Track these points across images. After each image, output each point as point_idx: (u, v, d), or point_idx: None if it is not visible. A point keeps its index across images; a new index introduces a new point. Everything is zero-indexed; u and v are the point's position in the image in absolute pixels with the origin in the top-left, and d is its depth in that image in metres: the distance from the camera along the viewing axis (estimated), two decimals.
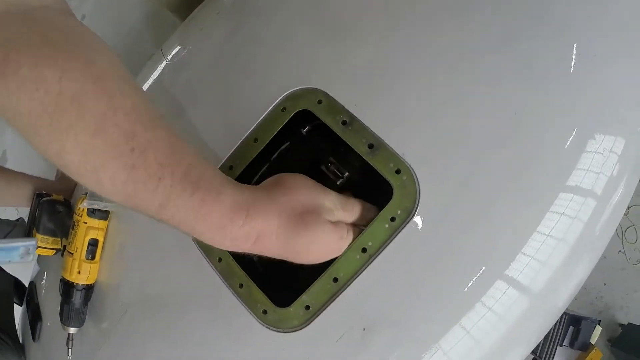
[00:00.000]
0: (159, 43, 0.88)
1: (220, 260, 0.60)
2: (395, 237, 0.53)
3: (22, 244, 0.86)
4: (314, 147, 0.68)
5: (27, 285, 1.04)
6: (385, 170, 0.56)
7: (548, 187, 0.55)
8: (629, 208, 1.95)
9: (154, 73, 0.84)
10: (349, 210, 0.53)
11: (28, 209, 0.95)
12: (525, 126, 0.55)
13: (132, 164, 0.32)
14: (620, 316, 1.96)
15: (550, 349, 1.69)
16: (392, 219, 0.54)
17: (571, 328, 1.71)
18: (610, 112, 0.58)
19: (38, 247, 0.86)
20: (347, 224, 0.52)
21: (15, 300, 1.03)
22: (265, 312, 0.57)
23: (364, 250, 0.54)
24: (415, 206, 0.54)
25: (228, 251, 0.60)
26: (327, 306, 0.54)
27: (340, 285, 0.54)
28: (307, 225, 0.45)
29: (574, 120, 0.56)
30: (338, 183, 0.64)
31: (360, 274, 0.53)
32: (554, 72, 0.57)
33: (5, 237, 1.11)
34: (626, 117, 0.60)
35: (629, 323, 1.91)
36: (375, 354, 0.53)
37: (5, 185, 0.99)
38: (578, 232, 0.56)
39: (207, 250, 0.62)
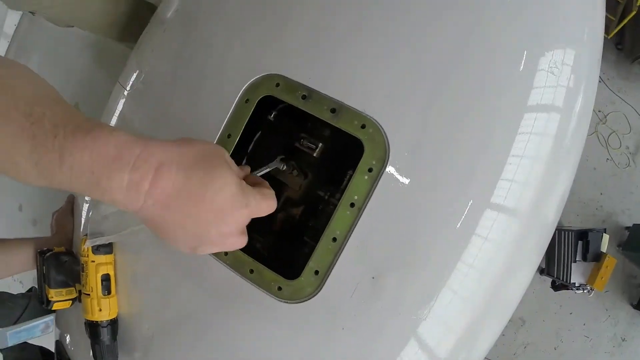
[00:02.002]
0: (114, 78, 0.90)
1: (226, 253, 0.63)
2: (376, 186, 0.57)
3: (41, 321, 0.89)
4: (284, 130, 0.72)
5: (52, 348, 1.06)
6: (352, 129, 0.59)
7: (511, 111, 0.59)
8: (606, 116, 2.00)
9: (118, 106, 0.86)
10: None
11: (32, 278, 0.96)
12: (475, 57, 0.59)
13: (33, 134, 0.36)
14: (624, 219, 2.02)
15: (565, 268, 1.74)
16: (370, 170, 0.58)
17: (580, 243, 1.75)
18: (555, 27, 0.62)
19: (55, 302, 0.88)
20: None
21: None
22: (279, 288, 0.60)
23: (352, 205, 0.57)
24: (387, 153, 0.57)
25: None
26: (334, 266, 0.57)
27: (340, 243, 0.57)
28: (211, 162, 0.42)
29: (522, 43, 0.60)
30: (314, 155, 0.67)
31: (355, 227, 0.57)
32: (492, 2, 0.60)
33: (23, 310, 1.12)
34: (570, 28, 0.64)
35: (633, 224, 1.97)
36: (391, 298, 0.57)
37: (6, 255, 1.00)
38: (549, 146, 0.60)
39: None
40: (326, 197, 0.69)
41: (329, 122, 0.60)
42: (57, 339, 1.05)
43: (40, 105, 0.38)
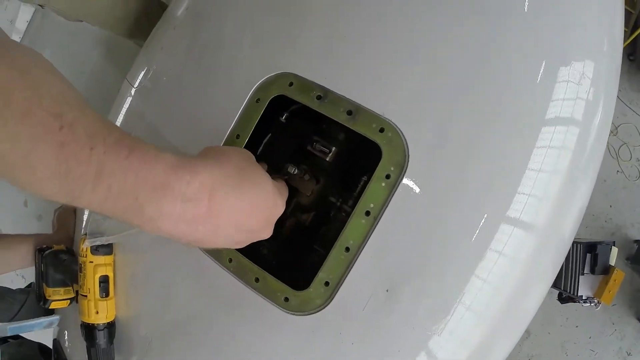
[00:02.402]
0: (125, 73, 0.88)
1: (231, 260, 0.61)
2: (394, 194, 0.54)
3: (45, 320, 0.88)
4: (296, 132, 0.69)
5: (50, 345, 1.04)
6: (369, 132, 0.56)
7: (529, 124, 0.56)
8: (617, 127, 1.98)
9: (126, 102, 0.84)
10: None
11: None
12: (494, 67, 0.56)
13: (62, 141, 0.31)
14: (633, 233, 1.99)
15: (572, 280, 1.71)
16: (387, 177, 0.54)
17: (588, 255, 1.73)
18: (574, 38, 0.59)
19: (52, 300, 0.86)
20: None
21: None
22: (286, 299, 0.57)
23: (367, 213, 0.54)
24: (406, 159, 0.54)
25: (236, 249, 0.61)
26: (346, 277, 0.54)
27: (353, 254, 0.54)
28: (250, 173, 0.44)
29: (540, 54, 0.57)
30: (327, 159, 0.64)
31: (369, 237, 0.54)
32: (510, 12, 0.57)
33: (21, 306, 1.11)
34: (590, 39, 0.61)
35: None
36: (405, 311, 0.54)
37: (6, 251, 0.99)
38: (568, 160, 0.57)
39: (216, 253, 0.62)
40: (338, 204, 0.66)
41: (345, 124, 0.57)
42: (55, 337, 1.04)
43: (71, 106, 0.32)
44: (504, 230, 0.55)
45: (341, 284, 0.54)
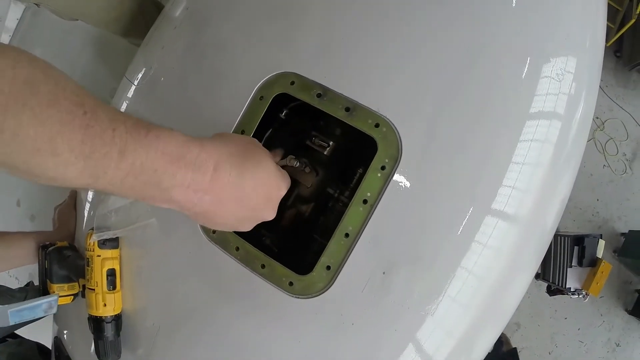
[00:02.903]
0: (117, 74, 0.90)
1: (238, 249, 0.64)
2: (389, 183, 0.58)
3: (44, 300, 0.88)
4: (295, 128, 0.72)
5: (49, 345, 1.05)
6: (366, 127, 0.60)
7: (514, 118, 0.60)
8: (603, 123, 2.03)
9: (126, 99, 0.86)
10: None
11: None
12: (482, 65, 0.60)
13: (86, 124, 0.34)
14: (620, 226, 2.04)
15: (560, 273, 1.75)
16: (383, 168, 0.58)
17: (576, 248, 1.77)
18: (557, 35, 0.63)
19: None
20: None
21: None
22: (291, 283, 0.60)
23: (364, 201, 0.58)
24: (399, 152, 0.58)
25: (243, 238, 0.64)
26: (346, 261, 0.58)
27: (352, 239, 0.58)
28: (254, 154, 0.47)
29: (525, 50, 0.61)
30: (325, 153, 0.68)
31: (367, 223, 0.57)
32: (497, 11, 0.61)
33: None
34: (573, 36, 0.65)
35: (629, 230, 1.99)
36: (400, 293, 0.57)
37: (7, 249, 1.00)
38: (550, 153, 0.61)
39: (223, 242, 0.65)
40: (336, 195, 0.70)
41: (343, 120, 0.61)
42: (56, 335, 1.05)
43: (89, 97, 0.36)
44: (488, 222, 0.58)
45: (342, 268, 0.58)
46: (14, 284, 1.30)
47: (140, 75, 0.84)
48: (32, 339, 1.10)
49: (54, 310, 0.89)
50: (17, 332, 1.06)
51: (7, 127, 0.32)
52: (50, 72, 0.35)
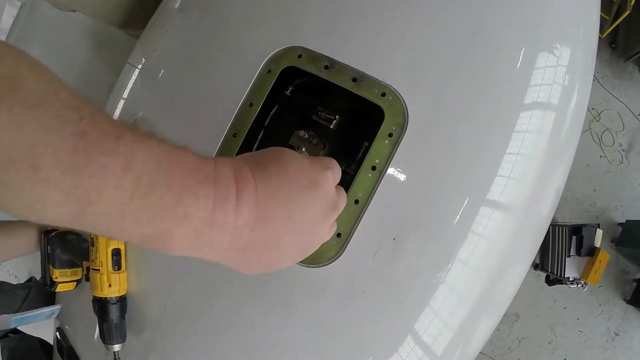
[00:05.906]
0: (115, 68, 0.89)
1: None
2: (396, 150, 0.58)
3: (47, 309, 0.88)
4: (301, 103, 0.73)
5: (51, 341, 1.04)
6: (373, 96, 0.60)
7: (508, 109, 0.61)
8: (599, 114, 2.05)
9: (129, 84, 0.86)
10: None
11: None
12: (478, 51, 0.61)
13: (82, 130, 0.26)
14: (617, 216, 2.06)
15: (559, 262, 1.77)
16: (390, 135, 0.59)
17: (574, 238, 1.78)
18: (552, 26, 0.64)
19: (59, 282, 0.87)
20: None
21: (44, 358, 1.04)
22: None
23: (373, 168, 0.58)
24: (406, 119, 0.59)
25: None
26: (356, 228, 0.58)
27: (362, 206, 0.58)
28: (277, 152, 0.38)
29: (520, 40, 0.62)
30: (331, 126, 0.68)
31: (376, 190, 0.58)
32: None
33: (23, 300, 1.11)
34: (566, 27, 0.66)
35: (626, 220, 2.02)
36: (411, 258, 0.58)
37: (9, 237, 0.99)
38: (544, 143, 0.62)
39: None
40: (343, 167, 0.70)
41: (351, 90, 0.61)
42: (59, 326, 1.04)
43: (87, 102, 0.28)
44: (484, 212, 0.59)
45: (352, 235, 0.58)
46: (14, 283, 1.29)
47: (144, 59, 0.84)
48: (34, 335, 1.10)
49: (55, 315, 0.89)
50: (19, 327, 1.05)
51: None
52: (41, 70, 0.28)
